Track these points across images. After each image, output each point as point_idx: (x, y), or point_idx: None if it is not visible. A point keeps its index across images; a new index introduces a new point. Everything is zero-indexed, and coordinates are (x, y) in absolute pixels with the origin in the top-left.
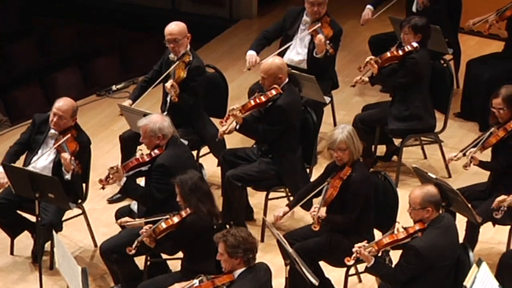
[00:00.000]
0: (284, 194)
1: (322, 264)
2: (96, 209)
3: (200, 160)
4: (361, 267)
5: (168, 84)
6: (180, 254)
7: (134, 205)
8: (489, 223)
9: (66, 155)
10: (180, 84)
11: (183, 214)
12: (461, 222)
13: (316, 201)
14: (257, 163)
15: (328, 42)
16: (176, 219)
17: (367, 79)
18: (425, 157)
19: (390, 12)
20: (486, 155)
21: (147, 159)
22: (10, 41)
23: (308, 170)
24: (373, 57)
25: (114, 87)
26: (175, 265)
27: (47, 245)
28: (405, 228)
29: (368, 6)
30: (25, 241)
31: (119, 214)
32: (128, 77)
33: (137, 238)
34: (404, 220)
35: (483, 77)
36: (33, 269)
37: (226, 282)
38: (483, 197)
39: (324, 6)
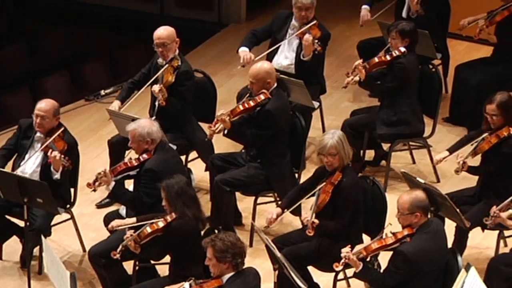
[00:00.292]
0: (272, 199)
1: (310, 268)
2: (85, 214)
3: (189, 165)
4: (349, 272)
5: (156, 88)
6: (168, 259)
7: (123, 210)
8: (478, 228)
9: (55, 153)
10: (168, 89)
11: (168, 218)
12: (449, 227)
13: (307, 207)
14: (245, 168)
15: (316, 41)
16: (161, 224)
17: (358, 78)
18: (414, 162)
19: (379, 16)
20: (475, 160)
21: (136, 164)
22: None
23: (296, 175)
24: (361, 62)
25: (102, 92)
26: (163, 270)
27: (36, 250)
28: (393, 233)
29: (364, 6)
30: (13, 246)
31: (107, 219)
32: (117, 82)
33: None
34: (392, 224)
35: (472, 82)
36: (22, 274)
37: (214, 287)
38: (472, 202)
39: (312, 10)
